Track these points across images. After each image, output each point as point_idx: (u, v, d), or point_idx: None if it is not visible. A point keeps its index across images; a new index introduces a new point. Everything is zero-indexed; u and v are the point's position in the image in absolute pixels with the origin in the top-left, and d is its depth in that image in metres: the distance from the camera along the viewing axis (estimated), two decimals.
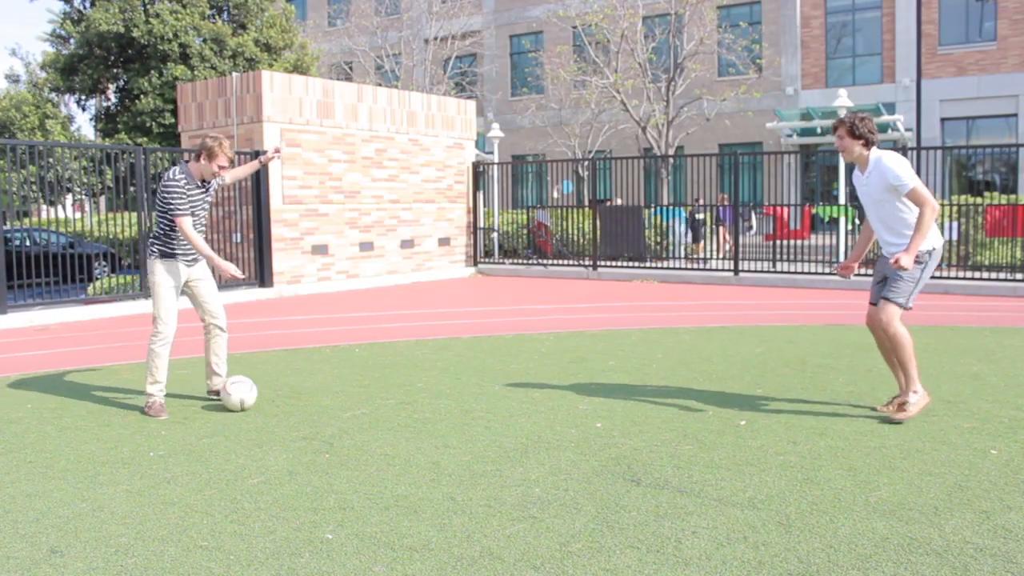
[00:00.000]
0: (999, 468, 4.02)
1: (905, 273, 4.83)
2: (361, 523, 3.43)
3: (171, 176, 5.29)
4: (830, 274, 13.62)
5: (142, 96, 17.20)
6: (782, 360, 6.87)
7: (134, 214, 11.66)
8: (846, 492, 3.71)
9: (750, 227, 17.32)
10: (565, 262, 16.10)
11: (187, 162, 5.42)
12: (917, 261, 4.85)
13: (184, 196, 5.27)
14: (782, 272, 13.70)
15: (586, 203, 18.60)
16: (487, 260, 16.98)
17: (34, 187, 13.68)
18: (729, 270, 14.10)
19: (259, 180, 12.63)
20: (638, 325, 9.09)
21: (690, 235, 16.80)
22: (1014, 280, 12.13)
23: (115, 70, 18.19)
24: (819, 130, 25.91)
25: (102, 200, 24.54)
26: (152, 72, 17.24)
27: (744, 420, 4.98)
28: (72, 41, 18.57)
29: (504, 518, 3.46)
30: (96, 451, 4.52)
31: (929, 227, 4.74)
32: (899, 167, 4.74)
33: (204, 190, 5.45)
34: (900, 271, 4.80)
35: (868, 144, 4.89)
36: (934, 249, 4.88)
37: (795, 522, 3.37)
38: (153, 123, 17.12)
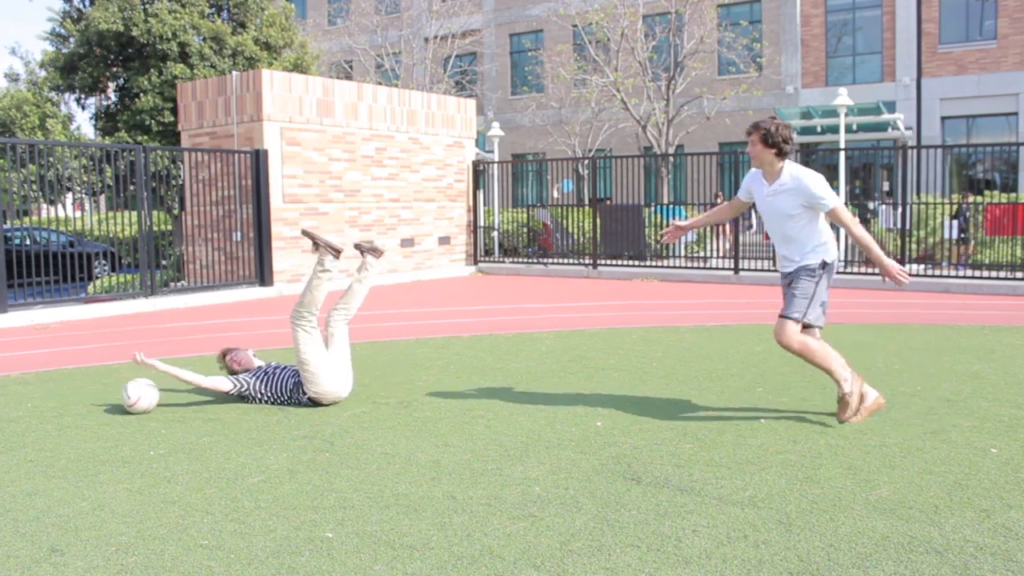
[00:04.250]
0: (999, 466, 4.02)
1: (799, 290, 4.80)
2: (361, 522, 3.43)
3: None
4: None
5: (142, 95, 17.20)
6: (782, 358, 6.86)
7: (134, 213, 11.66)
8: (846, 491, 3.71)
9: (750, 226, 17.30)
10: (565, 261, 16.10)
11: None
12: (810, 275, 4.80)
13: None
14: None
15: (586, 202, 18.60)
16: (487, 259, 16.98)
17: (34, 186, 13.68)
18: (729, 269, 14.10)
19: (259, 179, 12.62)
20: (638, 324, 9.09)
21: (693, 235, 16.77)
22: (1014, 279, 12.12)
23: (115, 69, 18.17)
24: (819, 129, 25.90)
25: (102, 199, 24.55)
26: (152, 71, 17.24)
27: (742, 418, 4.98)
28: (72, 40, 18.55)
29: (504, 517, 3.46)
30: (96, 450, 4.52)
31: (867, 238, 4.79)
32: (821, 188, 4.71)
33: None
34: (798, 288, 4.80)
35: (780, 154, 4.77)
36: (828, 263, 4.84)
37: (795, 521, 3.37)
38: (153, 121, 17.11)
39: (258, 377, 5.48)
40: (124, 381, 5.66)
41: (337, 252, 5.63)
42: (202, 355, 7.52)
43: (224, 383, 5.40)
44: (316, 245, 5.64)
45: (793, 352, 4.80)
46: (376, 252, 5.88)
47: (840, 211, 4.74)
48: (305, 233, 5.79)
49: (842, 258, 14.63)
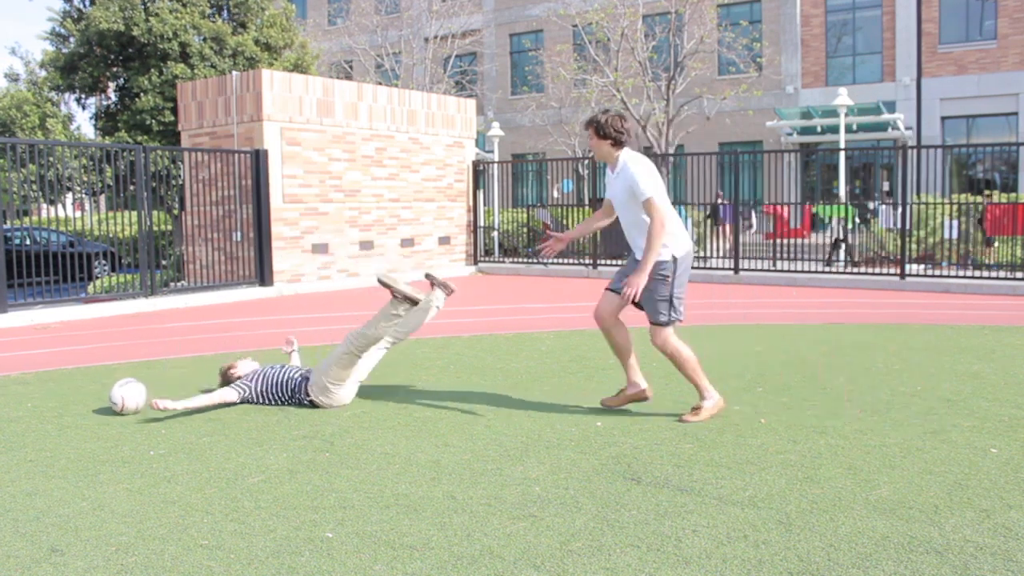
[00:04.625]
0: (999, 466, 4.02)
1: (656, 294, 4.79)
2: (361, 522, 3.43)
3: None
4: (831, 273, 13.62)
5: (142, 94, 17.20)
6: (782, 359, 6.87)
7: (134, 213, 11.66)
8: (846, 491, 3.71)
9: (750, 226, 17.30)
10: (565, 261, 16.10)
11: None
12: (662, 277, 4.76)
13: None
14: (782, 271, 13.70)
15: (586, 202, 18.60)
16: (487, 259, 16.98)
17: (34, 186, 13.68)
18: (729, 269, 14.10)
19: (259, 179, 12.62)
20: (638, 324, 9.07)
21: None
22: (1014, 279, 12.12)
23: (115, 68, 18.18)
24: (819, 129, 25.90)
25: (102, 199, 24.57)
26: (152, 71, 17.24)
27: (743, 418, 4.98)
28: (72, 39, 18.56)
29: (504, 517, 3.46)
30: (96, 450, 4.52)
31: (658, 242, 4.68)
32: (641, 174, 4.68)
33: None
34: (655, 292, 4.79)
35: (617, 144, 4.81)
36: (676, 258, 4.78)
37: (795, 521, 3.37)
38: (153, 121, 17.12)
39: (258, 380, 5.48)
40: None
41: (415, 302, 5.51)
42: (202, 355, 7.52)
43: (230, 394, 5.39)
44: (394, 294, 5.48)
45: (666, 356, 4.88)
46: (447, 288, 5.69)
47: (654, 203, 4.65)
48: (382, 283, 5.58)
49: (842, 258, 14.63)
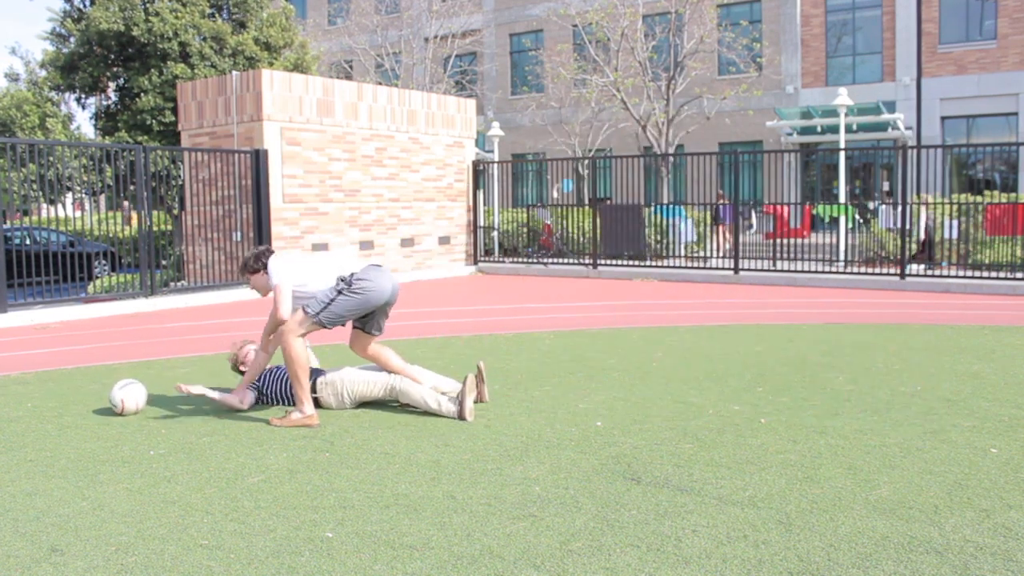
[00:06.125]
0: (999, 466, 4.02)
1: (321, 293, 5.07)
2: (361, 521, 3.43)
3: None
4: (831, 272, 13.62)
5: (142, 94, 17.19)
6: (782, 358, 6.87)
7: (134, 212, 11.65)
8: (846, 491, 3.71)
9: (750, 226, 17.29)
10: (565, 260, 16.10)
11: None
12: (341, 286, 5.04)
13: None
14: (782, 271, 13.70)
15: (586, 202, 18.61)
16: (487, 259, 16.97)
17: (34, 186, 13.68)
18: (729, 268, 14.10)
19: (259, 179, 12.62)
20: (638, 324, 9.08)
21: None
22: (1014, 279, 12.12)
23: (115, 68, 18.16)
24: (819, 129, 25.90)
25: (102, 199, 24.58)
26: (152, 70, 17.23)
27: (744, 418, 4.98)
28: (72, 39, 18.54)
29: (504, 516, 3.46)
30: (96, 450, 4.52)
31: (272, 325, 5.15)
32: (272, 274, 5.15)
33: None
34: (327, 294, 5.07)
35: (266, 269, 5.26)
36: (354, 277, 5.05)
37: (795, 521, 3.37)
38: (153, 121, 17.10)
39: (266, 380, 5.47)
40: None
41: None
42: (202, 355, 7.52)
43: (251, 396, 5.39)
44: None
45: (281, 342, 5.02)
46: (462, 409, 5.14)
47: (276, 292, 5.10)
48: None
49: (841, 258, 14.63)
